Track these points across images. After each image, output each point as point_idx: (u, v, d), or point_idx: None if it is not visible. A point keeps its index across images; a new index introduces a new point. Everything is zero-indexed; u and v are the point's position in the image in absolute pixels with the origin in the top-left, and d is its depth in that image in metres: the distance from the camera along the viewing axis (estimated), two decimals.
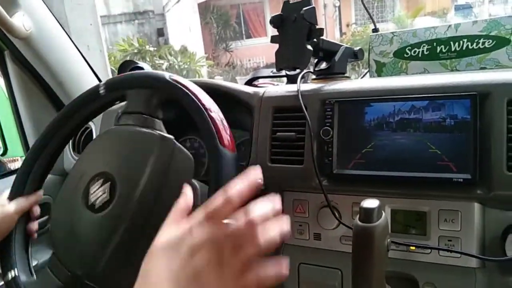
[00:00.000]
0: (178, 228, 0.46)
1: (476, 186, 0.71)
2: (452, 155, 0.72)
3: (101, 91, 0.77)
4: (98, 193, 0.70)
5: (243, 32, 12.40)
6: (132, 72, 0.83)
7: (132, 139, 0.74)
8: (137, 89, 0.76)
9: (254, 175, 0.47)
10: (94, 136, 1.18)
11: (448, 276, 0.75)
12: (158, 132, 0.74)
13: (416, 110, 0.75)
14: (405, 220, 0.79)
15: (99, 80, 1.37)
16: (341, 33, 11.14)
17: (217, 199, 0.45)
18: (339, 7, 11.58)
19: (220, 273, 0.42)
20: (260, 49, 11.28)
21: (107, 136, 0.79)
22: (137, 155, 0.72)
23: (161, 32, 11.24)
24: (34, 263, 0.99)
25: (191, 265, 0.42)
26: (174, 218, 0.49)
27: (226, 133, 0.67)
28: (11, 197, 0.78)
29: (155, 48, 8.88)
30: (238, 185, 0.46)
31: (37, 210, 0.81)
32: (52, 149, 0.81)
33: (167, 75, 0.73)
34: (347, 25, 11.49)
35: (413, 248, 0.78)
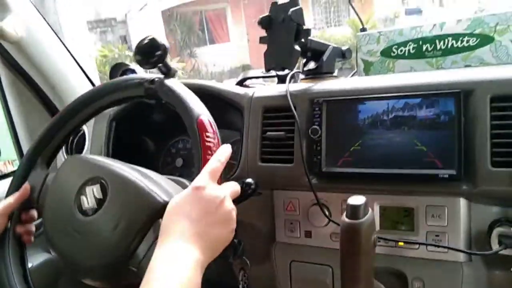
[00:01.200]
0: (187, 189, 0.59)
1: (461, 181, 0.72)
2: (438, 152, 0.73)
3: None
4: (91, 197, 0.71)
5: (207, 39, 12.67)
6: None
7: None
8: None
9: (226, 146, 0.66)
10: (87, 139, 1.19)
11: (436, 270, 0.77)
12: None
13: (403, 108, 0.76)
14: (394, 216, 0.80)
15: (92, 83, 1.37)
16: None
17: (212, 161, 0.62)
18: None
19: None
20: (224, 54, 11.52)
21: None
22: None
23: (124, 40, 11.34)
24: (28, 265, 0.99)
25: (211, 207, 0.58)
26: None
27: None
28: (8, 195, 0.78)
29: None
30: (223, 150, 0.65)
31: (32, 214, 0.79)
32: (78, 120, 0.81)
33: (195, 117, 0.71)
34: None
35: (402, 243, 0.79)
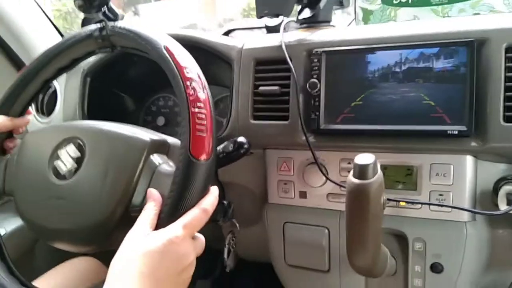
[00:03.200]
0: (159, 236, 0.51)
1: (471, 138, 0.67)
2: (446, 106, 0.68)
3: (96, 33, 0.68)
4: (67, 159, 0.65)
5: None
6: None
7: None
8: None
9: (216, 192, 0.59)
10: (59, 97, 1.09)
11: (438, 231, 0.74)
12: None
13: (409, 60, 0.70)
14: (395, 175, 0.76)
15: (60, 34, 1.25)
16: None
17: (195, 211, 0.54)
18: None
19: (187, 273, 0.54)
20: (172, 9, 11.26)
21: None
22: None
23: None
24: (2, 232, 0.92)
25: (179, 268, 0.52)
26: (148, 224, 0.53)
27: (204, 128, 0.56)
28: None
29: None
30: (211, 198, 0.57)
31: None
32: (46, 75, 0.73)
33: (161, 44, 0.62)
34: None
35: (403, 203, 0.75)
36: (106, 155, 0.63)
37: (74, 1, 0.67)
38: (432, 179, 0.73)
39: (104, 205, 0.61)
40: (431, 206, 0.74)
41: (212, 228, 0.95)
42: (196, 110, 0.56)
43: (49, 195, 0.65)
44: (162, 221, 0.54)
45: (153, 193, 0.57)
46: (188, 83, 0.57)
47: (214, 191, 0.59)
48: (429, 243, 0.74)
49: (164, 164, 0.62)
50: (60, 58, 0.70)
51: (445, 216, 0.73)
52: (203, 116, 0.56)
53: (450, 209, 0.72)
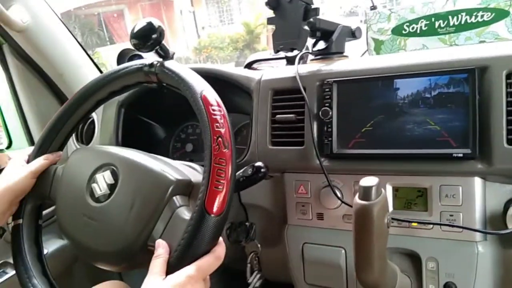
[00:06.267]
0: (178, 276, 0.56)
1: (476, 160, 0.71)
2: (451, 131, 0.72)
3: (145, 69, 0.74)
4: (103, 184, 0.71)
5: (107, 39, 13.18)
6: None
7: None
8: None
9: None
10: (96, 126, 1.19)
11: (450, 250, 0.76)
12: None
13: (415, 87, 0.74)
14: (407, 196, 0.79)
15: (100, 70, 1.37)
16: (198, 36, 12.72)
17: (209, 257, 0.59)
18: (193, 12, 13.37)
19: None
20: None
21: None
22: None
23: None
24: (44, 252, 1.01)
25: None
26: (160, 271, 0.57)
27: (219, 188, 0.59)
28: (31, 158, 0.79)
29: None
30: (223, 248, 0.61)
31: None
32: (99, 96, 0.80)
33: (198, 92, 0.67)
34: (202, 28, 13.08)
35: (415, 224, 0.78)
36: (135, 188, 0.68)
37: (130, 40, 0.74)
38: (442, 200, 0.76)
39: (128, 233, 0.66)
40: (442, 226, 0.76)
41: (234, 249, 1.00)
42: (217, 165, 0.60)
43: (82, 213, 0.71)
44: (171, 267, 0.58)
45: (161, 243, 0.62)
46: (215, 137, 0.61)
47: (222, 241, 0.63)
48: (441, 263, 0.77)
49: (183, 207, 0.66)
50: (113, 84, 0.77)
51: (456, 236, 0.75)
52: (223, 172, 0.59)
53: (461, 229, 0.75)
